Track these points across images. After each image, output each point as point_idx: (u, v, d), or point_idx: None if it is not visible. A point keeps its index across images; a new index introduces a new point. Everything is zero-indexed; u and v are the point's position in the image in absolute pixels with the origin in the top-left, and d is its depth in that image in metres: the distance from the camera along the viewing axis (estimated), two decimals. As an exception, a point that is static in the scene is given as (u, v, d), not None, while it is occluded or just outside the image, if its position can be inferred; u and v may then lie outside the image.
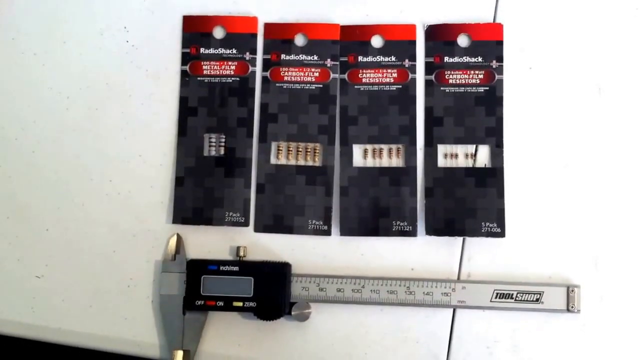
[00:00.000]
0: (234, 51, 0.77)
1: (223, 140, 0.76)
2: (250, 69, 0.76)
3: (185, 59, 0.77)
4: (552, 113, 0.75)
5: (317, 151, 0.75)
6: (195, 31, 0.77)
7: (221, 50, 0.77)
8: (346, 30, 0.77)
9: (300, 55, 0.77)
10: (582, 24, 0.76)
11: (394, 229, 0.73)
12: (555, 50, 0.75)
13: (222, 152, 0.75)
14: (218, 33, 0.77)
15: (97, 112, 0.77)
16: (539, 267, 0.73)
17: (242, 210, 0.75)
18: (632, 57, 0.75)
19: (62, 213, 0.76)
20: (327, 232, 0.74)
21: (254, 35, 0.77)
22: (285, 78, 0.76)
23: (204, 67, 0.77)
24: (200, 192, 0.75)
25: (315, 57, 0.76)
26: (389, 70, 0.76)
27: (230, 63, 0.77)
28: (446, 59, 0.76)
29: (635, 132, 0.75)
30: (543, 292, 0.71)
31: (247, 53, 0.77)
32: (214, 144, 0.76)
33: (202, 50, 0.77)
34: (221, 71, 0.77)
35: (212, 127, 0.76)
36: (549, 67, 0.75)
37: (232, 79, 0.76)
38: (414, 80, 0.76)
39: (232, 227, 0.75)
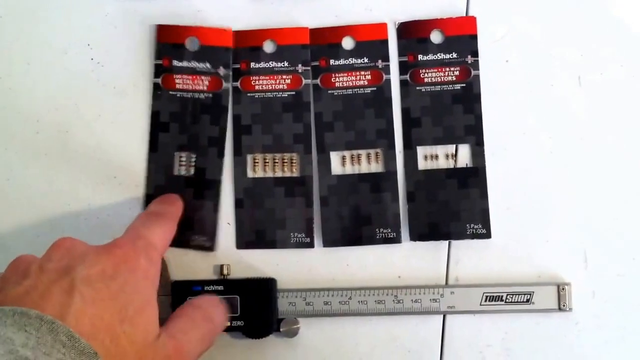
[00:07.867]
0: (208, 65, 0.74)
1: (193, 159, 0.73)
2: (224, 85, 0.74)
3: (158, 70, 0.74)
4: (532, 106, 0.73)
5: (294, 161, 0.73)
6: (168, 42, 0.74)
7: (194, 64, 0.74)
8: (315, 33, 0.74)
9: (270, 62, 0.74)
10: (558, 11, 0.73)
11: (377, 237, 0.72)
12: (532, 41, 0.73)
13: (192, 172, 0.73)
14: (191, 45, 0.74)
15: (67, 135, 0.75)
16: (528, 267, 0.71)
17: (211, 234, 0.73)
18: (611, 43, 0.73)
19: (41, 241, 0.74)
20: (310, 245, 0.73)
21: (229, 49, 0.74)
22: (257, 87, 0.74)
23: (177, 80, 0.74)
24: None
25: (286, 64, 0.74)
26: (362, 72, 0.73)
27: (203, 78, 0.74)
28: (420, 56, 0.73)
29: (619, 123, 0.72)
30: (533, 292, 0.70)
31: (221, 67, 0.74)
32: (184, 162, 0.73)
33: (174, 62, 0.74)
34: (194, 86, 0.74)
35: (184, 145, 0.73)
36: (526, 59, 0.73)
37: (205, 95, 0.74)
38: (388, 81, 0.73)
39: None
